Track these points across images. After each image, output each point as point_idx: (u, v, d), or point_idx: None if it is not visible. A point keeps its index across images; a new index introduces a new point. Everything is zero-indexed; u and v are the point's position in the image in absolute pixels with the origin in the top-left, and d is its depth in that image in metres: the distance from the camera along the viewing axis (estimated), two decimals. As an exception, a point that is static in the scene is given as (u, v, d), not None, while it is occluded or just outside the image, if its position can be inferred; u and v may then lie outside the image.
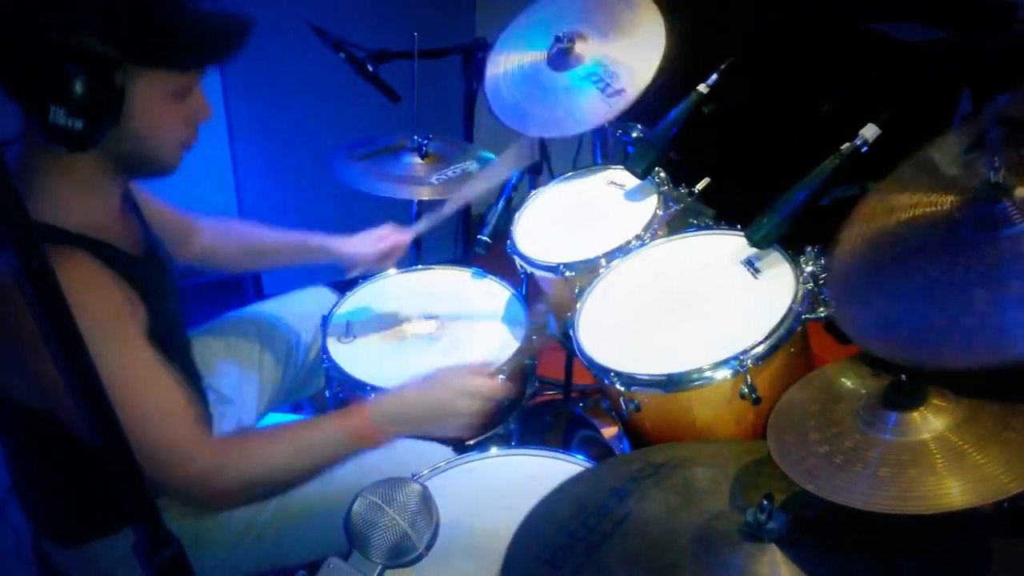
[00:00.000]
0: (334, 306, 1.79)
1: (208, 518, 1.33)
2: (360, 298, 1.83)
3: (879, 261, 1.06)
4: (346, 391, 1.63)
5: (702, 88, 1.62)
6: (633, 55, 1.72)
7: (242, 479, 1.18)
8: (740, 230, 1.49)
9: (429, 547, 1.03)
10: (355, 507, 1.01)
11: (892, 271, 1.03)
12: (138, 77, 1.08)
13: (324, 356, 1.66)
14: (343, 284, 1.83)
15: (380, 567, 1.00)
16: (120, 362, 1.06)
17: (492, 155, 2.07)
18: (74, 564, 1.33)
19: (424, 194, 1.93)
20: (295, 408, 1.89)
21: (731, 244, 1.50)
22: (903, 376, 0.98)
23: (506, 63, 1.84)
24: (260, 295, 2.77)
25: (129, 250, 1.23)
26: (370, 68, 2.03)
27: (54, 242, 1.07)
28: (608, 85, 1.71)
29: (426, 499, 1.04)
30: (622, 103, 1.67)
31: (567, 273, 1.61)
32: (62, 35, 1.01)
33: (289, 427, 1.30)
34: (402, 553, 1.01)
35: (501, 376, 1.32)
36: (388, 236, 1.75)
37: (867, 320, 1.04)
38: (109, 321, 1.08)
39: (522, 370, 1.70)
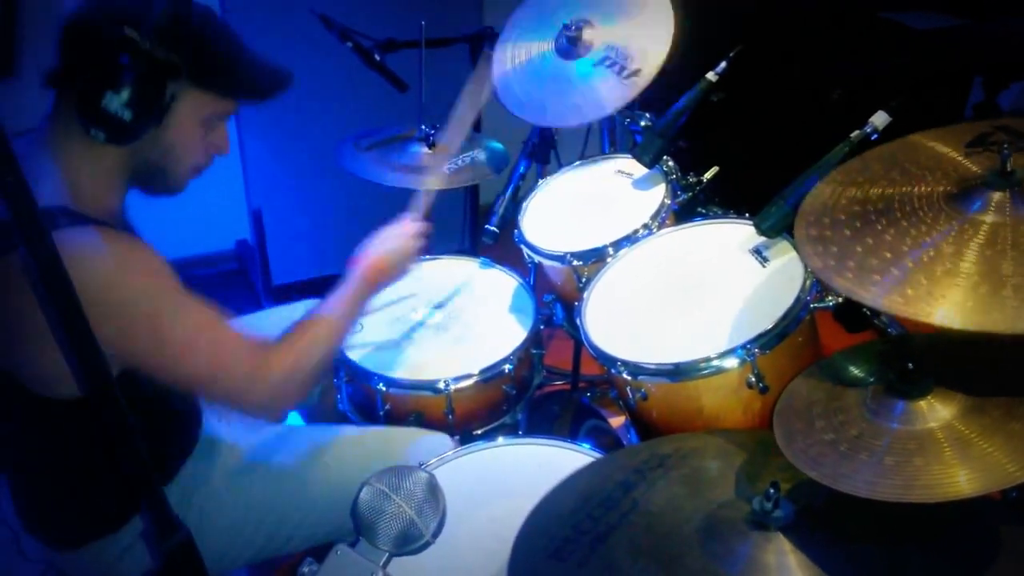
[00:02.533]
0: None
1: (208, 508, 1.35)
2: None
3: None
4: (354, 380, 1.63)
5: (711, 76, 1.61)
6: (643, 35, 1.69)
7: (305, 374, 1.29)
8: (749, 219, 1.48)
9: (436, 535, 1.03)
10: (362, 495, 1.01)
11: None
12: (186, 93, 1.17)
13: (332, 345, 1.66)
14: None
15: (387, 554, 1.01)
16: (184, 311, 1.18)
17: (499, 144, 2.06)
18: (76, 564, 1.34)
19: (433, 184, 1.92)
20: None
21: (739, 233, 1.50)
22: (910, 365, 0.98)
23: (513, 58, 1.83)
24: (268, 283, 2.78)
25: None
26: (377, 57, 2.02)
27: (82, 223, 1.12)
28: (623, 67, 1.69)
29: (433, 487, 1.04)
30: (641, 83, 1.65)
31: (574, 262, 1.61)
32: (139, 36, 1.10)
33: (311, 315, 1.34)
34: (409, 540, 1.01)
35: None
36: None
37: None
38: (162, 279, 1.17)
39: (530, 359, 1.71)
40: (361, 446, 1.47)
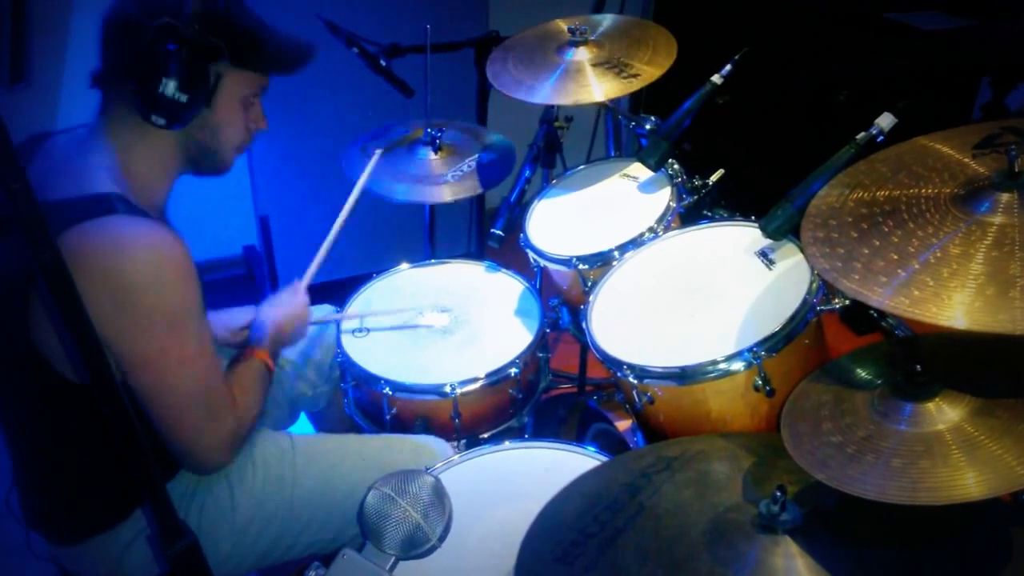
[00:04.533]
0: (348, 300, 1.80)
1: (210, 514, 1.35)
2: (374, 292, 1.84)
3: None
4: (360, 384, 1.64)
5: (716, 79, 1.61)
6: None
7: (249, 425, 1.33)
8: (754, 221, 1.48)
9: (442, 538, 1.03)
10: (368, 499, 1.01)
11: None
12: (228, 73, 1.24)
13: (339, 350, 1.67)
14: (347, 293, 1.83)
15: (393, 558, 1.01)
16: (198, 332, 1.21)
17: (503, 138, 2.06)
18: (79, 559, 1.35)
19: (442, 196, 1.93)
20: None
21: (745, 235, 1.49)
22: (919, 367, 0.98)
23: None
24: (275, 289, 2.78)
25: None
26: (383, 63, 2.02)
27: (140, 215, 1.18)
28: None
29: (438, 491, 1.04)
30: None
31: (580, 266, 1.60)
32: (183, 25, 1.17)
33: (239, 374, 1.37)
34: (415, 544, 1.01)
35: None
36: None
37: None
38: (193, 293, 1.20)
39: (536, 363, 1.71)
40: (362, 453, 1.48)
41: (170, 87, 1.17)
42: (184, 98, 1.19)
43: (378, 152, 1.89)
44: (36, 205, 0.73)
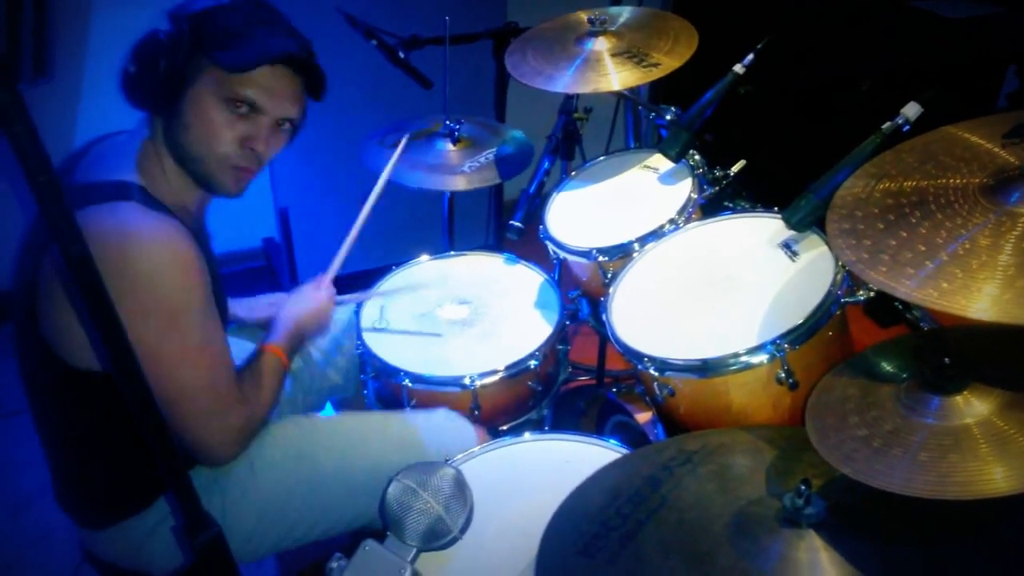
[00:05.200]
0: (368, 292, 1.80)
1: (233, 492, 1.37)
2: (394, 284, 1.84)
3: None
4: (380, 376, 1.64)
5: (738, 68, 1.59)
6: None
7: (260, 420, 1.34)
8: (777, 213, 1.47)
9: (463, 530, 1.03)
10: (390, 491, 1.02)
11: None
12: (197, 69, 1.23)
13: (359, 342, 1.67)
14: (368, 285, 1.83)
15: (415, 550, 1.01)
16: (208, 333, 1.23)
17: (522, 134, 2.06)
18: (105, 545, 1.37)
19: (457, 184, 1.93)
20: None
21: (768, 227, 1.48)
22: (947, 360, 0.96)
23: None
24: (295, 281, 2.80)
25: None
26: (401, 55, 2.02)
27: (153, 206, 1.21)
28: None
29: (460, 483, 1.04)
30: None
31: (600, 258, 1.60)
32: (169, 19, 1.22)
33: (252, 370, 1.37)
34: (437, 536, 1.01)
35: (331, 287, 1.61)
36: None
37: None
38: (205, 299, 1.22)
39: (555, 355, 1.70)
40: (384, 430, 1.49)
41: (131, 67, 1.21)
42: (133, 70, 1.20)
43: (405, 138, 1.88)
44: (63, 198, 0.73)
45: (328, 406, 1.86)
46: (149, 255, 1.15)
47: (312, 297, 1.56)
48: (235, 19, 1.24)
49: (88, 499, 1.37)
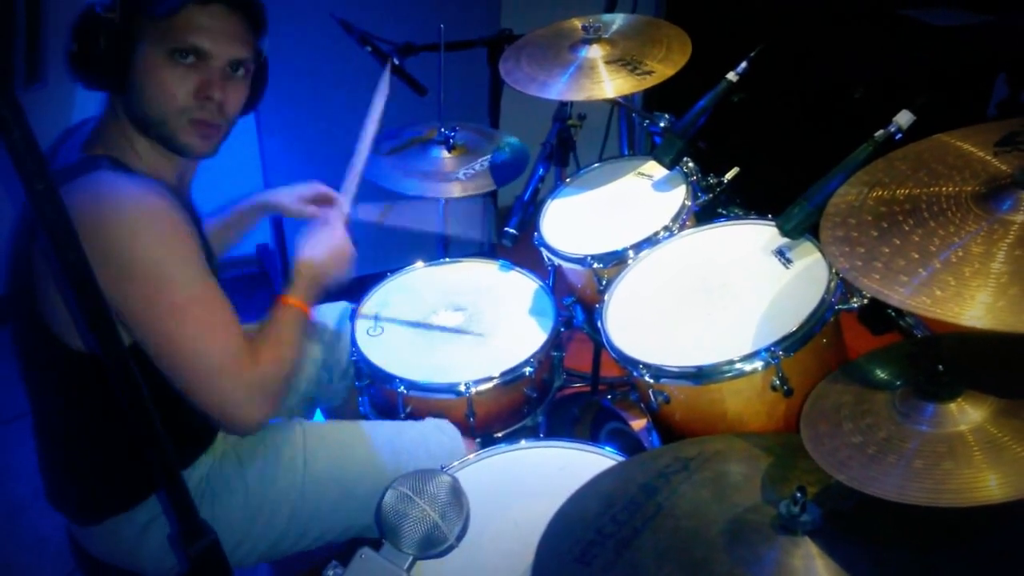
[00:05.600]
0: (362, 299, 1.80)
1: (222, 498, 1.36)
2: (388, 291, 1.84)
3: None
4: (375, 383, 1.64)
5: (731, 76, 1.60)
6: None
7: (282, 376, 1.29)
8: (770, 220, 1.47)
9: (460, 538, 1.03)
10: (386, 498, 1.01)
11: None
12: (138, 32, 1.21)
13: (353, 348, 1.67)
14: (362, 291, 1.83)
15: (411, 558, 1.01)
16: (197, 286, 1.20)
17: (517, 140, 2.06)
18: (97, 541, 1.36)
19: (452, 192, 1.93)
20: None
21: (762, 234, 1.48)
22: (941, 367, 0.97)
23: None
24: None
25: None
26: (396, 61, 2.02)
27: (125, 172, 1.20)
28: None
29: (456, 490, 1.04)
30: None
31: (595, 265, 1.60)
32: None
33: (267, 325, 1.34)
34: (433, 544, 1.01)
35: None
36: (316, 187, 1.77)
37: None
38: (188, 251, 1.19)
39: (550, 362, 1.70)
40: (373, 437, 1.48)
41: (73, 45, 1.20)
42: (76, 47, 1.19)
43: (391, 63, 1.86)
44: (60, 206, 0.73)
45: (318, 413, 1.85)
46: (125, 211, 1.14)
47: (329, 238, 1.48)
48: None
49: (80, 492, 1.36)
